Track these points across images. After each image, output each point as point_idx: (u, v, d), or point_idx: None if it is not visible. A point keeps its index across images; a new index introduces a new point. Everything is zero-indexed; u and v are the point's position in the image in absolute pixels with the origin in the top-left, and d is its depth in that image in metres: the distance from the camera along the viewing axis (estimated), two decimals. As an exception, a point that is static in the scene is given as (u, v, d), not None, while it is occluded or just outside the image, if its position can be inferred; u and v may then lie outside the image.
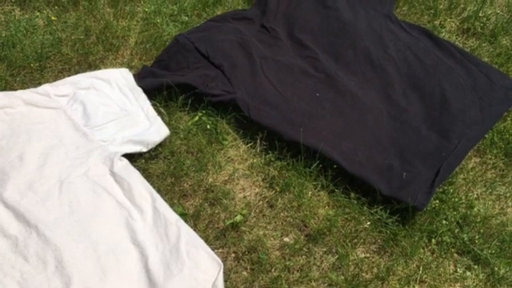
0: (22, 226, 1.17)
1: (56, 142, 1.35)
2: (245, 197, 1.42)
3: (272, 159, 1.49)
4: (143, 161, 1.44)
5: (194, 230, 1.26)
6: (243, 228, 1.34)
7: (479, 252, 1.34)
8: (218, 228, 1.34)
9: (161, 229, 1.21)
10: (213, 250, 1.23)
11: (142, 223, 1.22)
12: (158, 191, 1.33)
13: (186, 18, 1.90)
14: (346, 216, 1.39)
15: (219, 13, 1.94)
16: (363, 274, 1.29)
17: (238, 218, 1.34)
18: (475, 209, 1.44)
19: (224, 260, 1.27)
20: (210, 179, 1.43)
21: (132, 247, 1.18)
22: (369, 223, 1.38)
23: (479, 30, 2.02)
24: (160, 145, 1.46)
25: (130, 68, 1.68)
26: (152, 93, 1.57)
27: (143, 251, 1.17)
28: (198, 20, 1.91)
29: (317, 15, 1.87)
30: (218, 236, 1.32)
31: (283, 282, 1.24)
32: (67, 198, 1.24)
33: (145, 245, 1.17)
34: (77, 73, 1.61)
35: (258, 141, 1.53)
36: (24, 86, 1.58)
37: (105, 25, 1.81)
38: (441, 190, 1.47)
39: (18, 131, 1.35)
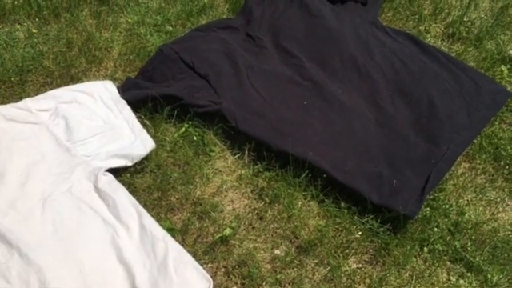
0: (4, 247, 1.13)
1: (38, 158, 1.32)
2: (234, 209, 1.39)
3: (261, 170, 1.47)
4: (128, 175, 1.41)
5: (183, 245, 1.23)
6: (233, 241, 1.31)
7: (472, 259, 1.33)
8: (206, 242, 1.31)
9: (148, 245, 1.18)
10: (202, 265, 1.21)
11: (128, 240, 1.18)
12: (145, 206, 1.29)
13: (170, 28, 1.88)
14: (336, 226, 1.37)
15: (204, 22, 1.92)
16: (356, 286, 1.27)
17: (227, 231, 1.31)
18: (466, 215, 1.43)
19: (214, 275, 1.24)
20: (198, 192, 1.41)
21: (118, 266, 1.14)
22: (360, 233, 1.36)
23: (464, 34, 2.03)
24: (146, 158, 1.43)
25: (114, 80, 1.65)
26: (137, 105, 1.54)
27: (130, 270, 1.13)
28: (183, 30, 1.89)
29: (302, 23, 1.86)
30: (207, 251, 1.29)
31: (275, 296, 1.22)
32: (50, 215, 1.21)
33: (131, 263, 1.14)
34: (59, 86, 1.57)
35: (246, 151, 1.50)
36: (4, 100, 1.54)
37: (87, 36, 1.78)
38: (431, 196, 1.46)
39: (-1, 148, 1.32)
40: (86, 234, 1.19)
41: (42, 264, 1.11)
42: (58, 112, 1.42)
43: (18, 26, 1.80)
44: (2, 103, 1.50)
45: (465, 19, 2.08)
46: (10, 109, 1.42)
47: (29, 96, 1.51)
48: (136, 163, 1.41)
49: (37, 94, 1.51)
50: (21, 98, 1.50)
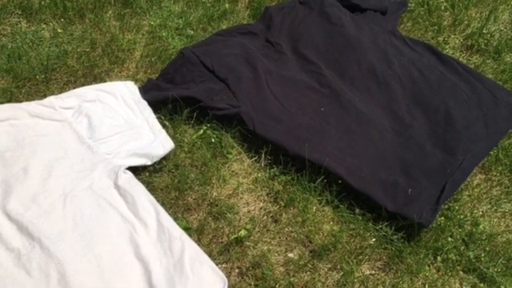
0: (26, 239, 1.16)
1: (61, 155, 1.35)
2: (249, 211, 1.41)
3: (276, 174, 1.48)
4: (147, 174, 1.43)
5: (198, 245, 1.25)
6: (247, 243, 1.33)
7: (485, 270, 1.33)
8: (222, 243, 1.33)
9: (165, 243, 1.20)
10: (217, 265, 1.23)
11: (145, 237, 1.21)
12: (162, 205, 1.32)
13: (192, 32, 1.91)
14: (350, 232, 1.38)
15: (224, 27, 1.95)
16: (368, 292, 1.28)
17: (242, 232, 1.33)
18: (481, 226, 1.43)
19: (228, 275, 1.26)
20: (215, 193, 1.43)
21: (135, 262, 1.16)
22: (374, 240, 1.37)
23: (483, 46, 2.03)
24: (164, 158, 1.46)
25: (136, 81, 1.68)
26: (157, 106, 1.57)
27: (147, 266, 1.15)
28: (204, 34, 1.92)
29: (321, 31, 1.88)
30: (222, 251, 1.31)
31: (287, 298, 1.24)
32: (71, 211, 1.23)
33: (148, 259, 1.16)
34: (82, 85, 1.61)
35: (263, 155, 1.52)
36: (29, 97, 1.58)
37: (110, 38, 1.82)
38: (446, 206, 1.46)
39: (23, 143, 1.35)
40: (105, 229, 1.21)
41: (61, 257, 1.14)
42: (81, 110, 1.45)
43: (44, 26, 1.85)
44: (26, 100, 1.54)
45: (484, 31, 2.08)
46: (34, 106, 1.46)
47: (53, 94, 1.55)
48: (155, 163, 1.43)
49: (61, 92, 1.55)
50: (45, 96, 1.54)
